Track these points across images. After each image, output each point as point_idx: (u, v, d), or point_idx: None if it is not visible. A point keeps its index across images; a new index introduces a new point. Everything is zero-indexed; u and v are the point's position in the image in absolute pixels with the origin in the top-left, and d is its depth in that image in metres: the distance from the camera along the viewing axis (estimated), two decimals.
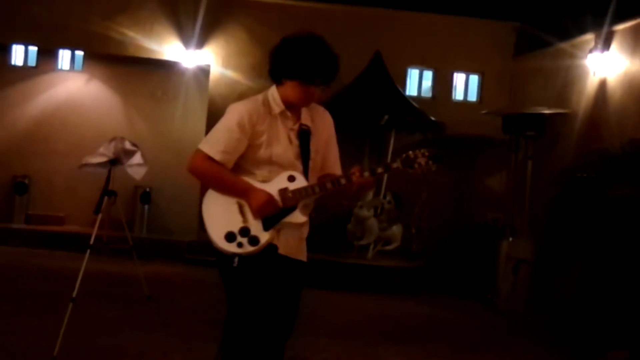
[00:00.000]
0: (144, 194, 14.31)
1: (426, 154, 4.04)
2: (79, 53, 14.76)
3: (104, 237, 7.67)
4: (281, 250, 4.09)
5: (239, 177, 4.09)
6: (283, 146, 4.09)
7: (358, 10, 13.57)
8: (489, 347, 8.40)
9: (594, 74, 10.59)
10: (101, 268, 9.59)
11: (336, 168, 4.36)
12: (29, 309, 8.07)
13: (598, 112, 10.52)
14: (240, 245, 3.98)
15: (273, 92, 4.12)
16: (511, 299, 10.64)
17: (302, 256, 4.24)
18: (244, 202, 4.04)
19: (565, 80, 11.47)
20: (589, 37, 10.81)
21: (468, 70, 14.03)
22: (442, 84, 13.96)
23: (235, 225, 4.02)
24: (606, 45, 10.37)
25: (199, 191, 13.00)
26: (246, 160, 4.11)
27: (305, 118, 4.19)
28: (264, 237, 4.01)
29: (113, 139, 7.69)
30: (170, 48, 13.31)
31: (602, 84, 10.47)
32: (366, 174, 4.02)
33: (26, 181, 14.38)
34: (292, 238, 4.15)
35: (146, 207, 14.46)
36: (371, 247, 11.74)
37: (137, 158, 7.77)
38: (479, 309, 10.70)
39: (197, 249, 12.62)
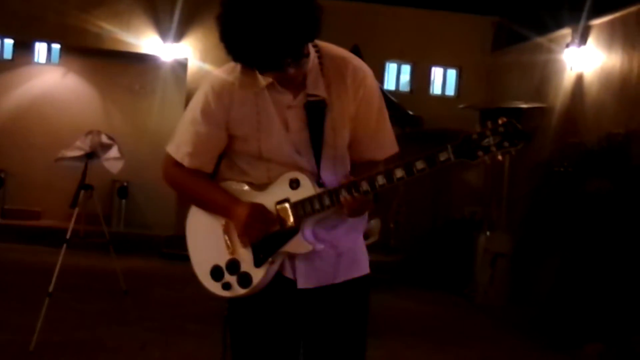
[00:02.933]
0: (121, 189, 14.25)
1: (500, 129, 2.57)
2: (56, 46, 14.67)
3: (81, 231, 7.63)
4: (303, 284, 2.88)
5: (216, 187, 2.93)
6: (275, 135, 2.82)
7: (336, 4, 13.49)
8: (467, 340, 8.44)
9: (571, 69, 10.62)
10: (78, 262, 9.53)
11: (380, 150, 2.96)
12: (5, 304, 8.01)
13: (575, 107, 10.56)
14: (227, 286, 2.87)
15: None
16: (489, 293, 10.68)
17: (349, 272, 2.97)
18: (229, 223, 2.91)
19: (543, 74, 11.51)
20: (566, 32, 10.85)
21: (446, 65, 14.06)
22: (420, 78, 13.98)
23: (222, 256, 2.90)
24: (583, 39, 10.40)
25: None
26: (237, 155, 2.93)
27: (314, 84, 2.81)
28: (257, 275, 2.84)
29: (89, 133, 7.65)
30: (147, 41, 13.24)
31: (579, 79, 10.51)
32: (399, 172, 2.68)
33: (2, 175, 14.29)
34: (320, 259, 2.89)
35: (123, 201, 14.40)
36: None
37: (113, 152, 7.73)
38: (457, 303, 10.73)
39: (174, 243, 12.57)
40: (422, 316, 9.74)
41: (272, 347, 2.92)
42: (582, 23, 10.41)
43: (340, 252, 2.94)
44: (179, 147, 2.95)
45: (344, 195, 2.74)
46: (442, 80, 14.18)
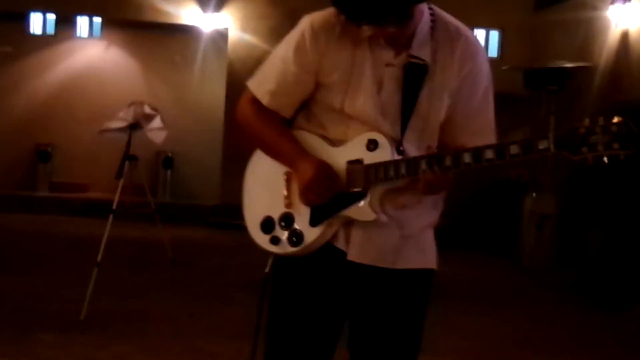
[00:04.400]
0: (166, 159, 14.34)
1: (612, 128, 2.26)
2: (97, 20, 14.73)
3: (127, 202, 7.70)
4: (354, 256, 2.63)
5: (288, 134, 2.70)
6: (363, 93, 2.57)
7: None
8: (514, 302, 8.41)
9: (616, 26, 10.44)
10: (125, 233, 9.63)
11: (478, 140, 2.57)
12: (55, 275, 8.13)
13: (620, 65, 10.39)
14: (275, 240, 2.66)
15: None
16: (536, 255, 10.61)
17: (413, 262, 2.72)
18: (291, 174, 2.68)
19: (587, 32, 11.32)
20: None
21: (488, 26, 13.88)
22: None
23: (277, 208, 2.68)
24: None
25: (220, 155, 13.11)
26: (318, 105, 2.68)
27: (421, 46, 2.58)
28: (311, 235, 2.62)
29: (132, 104, 7.69)
30: (188, 12, 13.25)
31: (624, 36, 10.33)
32: (489, 153, 2.42)
33: (49, 149, 14.43)
34: (380, 235, 2.63)
35: (169, 172, 14.50)
36: None
37: (157, 122, 7.77)
38: (503, 266, 10.68)
39: (221, 212, 12.64)
40: (470, 279, 9.71)
41: (311, 318, 2.69)
42: None
43: (407, 235, 2.67)
44: (262, 84, 2.71)
45: (423, 167, 2.47)
46: (485, 41, 14.01)
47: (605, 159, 2.29)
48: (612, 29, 10.54)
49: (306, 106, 2.72)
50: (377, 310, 2.68)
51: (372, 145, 2.55)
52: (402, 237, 2.66)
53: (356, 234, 2.61)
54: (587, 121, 2.31)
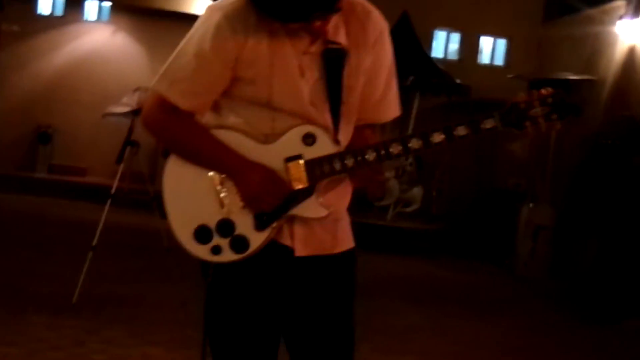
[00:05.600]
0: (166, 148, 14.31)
1: (548, 99, 2.39)
2: (106, 4, 14.73)
3: (125, 188, 7.71)
4: (301, 251, 2.54)
5: (215, 140, 2.48)
6: (289, 83, 2.43)
7: None
8: (505, 310, 8.42)
9: (623, 41, 10.46)
10: (122, 219, 9.63)
11: (384, 113, 2.67)
12: (49, 257, 8.15)
13: (626, 79, 10.40)
14: (216, 250, 2.49)
15: None
16: (529, 265, 10.62)
17: (346, 243, 2.67)
18: (226, 179, 2.49)
19: (594, 46, 11.34)
20: (619, 3, 10.67)
21: (495, 34, 13.91)
22: (469, 47, 13.86)
23: (211, 215, 2.49)
24: (636, 11, 10.23)
25: None
26: (236, 100, 2.50)
27: (335, 30, 2.46)
28: (257, 239, 2.48)
29: (137, 89, 7.71)
30: (197, 1, 13.25)
31: (631, 51, 10.34)
32: (439, 136, 2.41)
33: (50, 131, 14.43)
34: (320, 225, 2.56)
35: None
36: (391, 208, 11.74)
37: None
38: (497, 274, 10.69)
39: None
40: (462, 285, 9.73)
41: (258, 320, 2.58)
42: None
43: (338, 218, 2.62)
44: (173, 84, 2.47)
45: (371, 158, 2.42)
46: (491, 49, 14.04)
47: (543, 130, 2.40)
48: (620, 43, 10.55)
49: (220, 100, 2.53)
50: (316, 298, 2.59)
51: (309, 139, 2.44)
52: (335, 220, 2.59)
53: (299, 228, 2.52)
54: (523, 95, 2.40)
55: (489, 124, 2.41)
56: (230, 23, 2.39)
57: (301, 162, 2.44)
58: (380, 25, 2.58)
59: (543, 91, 2.40)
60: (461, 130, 2.40)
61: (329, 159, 2.44)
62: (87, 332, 5.73)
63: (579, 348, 7.19)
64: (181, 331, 5.94)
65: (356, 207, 2.75)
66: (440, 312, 7.86)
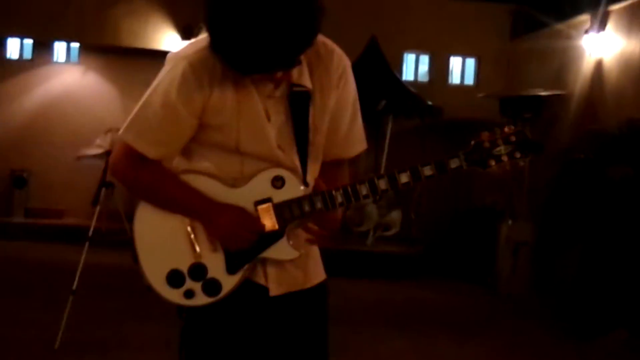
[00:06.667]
0: None
1: (512, 138, 2.47)
2: (75, 45, 14.71)
3: (103, 228, 7.67)
4: (275, 291, 2.59)
5: (186, 186, 2.51)
6: (256, 128, 2.47)
7: None
8: (490, 329, 8.42)
9: (590, 55, 10.56)
10: (101, 260, 9.55)
11: (351, 148, 2.73)
12: (29, 302, 8.07)
13: (595, 93, 10.50)
14: (189, 294, 2.51)
15: None
16: (511, 282, 10.64)
17: (317, 277, 2.73)
18: (197, 223, 2.52)
19: (562, 61, 11.44)
20: (585, 18, 10.78)
21: (464, 54, 14.01)
22: (439, 68, 13.95)
23: (183, 259, 2.52)
24: (602, 25, 10.33)
25: None
26: (204, 146, 2.54)
27: (299, 72, 2.49)
28: (229, 282, 2.51)
29: (109, 130, 7.69)
30: (166, 38, 13.26)
31: (599, 65, 10.45)
32: (405, 176, 2.49)
33: (25, 175, 14.32)
34: (292, 263, 2.60)
35: None
36: (371, 233, 11.74)
37: None
38: (479, 293, 10.70)
39: None
40: (445, 306, 9.73)
41: (236, 358, 2.60)
42: (601, 9, 10.34)
43: (308, 253, 2.65)
44: (141, 135, 2.48)
45: (340, 199, 2.48)
46: (461, 69, 14.13)
47: (508, 167, 2.50)
48: (587, 57, 10.66)
49: (188, 146, 2.55)
50: (291, 333, 2.64)
51: (278, 182, 2.49)
52: (306, 257, 2.63)
53: (272, 268, 2.56)
54: (486, 134, 2.48)
55: (454, 163, 2.47)
56: (196, 72, 2.41)
57: (270, 205, 2.49)
58: (342, 63, 2.61)
59: (506, 129, 2.49)
60: (427, 171, 2.48)
61: (298, 201, 2.49)
62: None
63: None
64: None
65: (336, 234, 2.79)
66: (425, 336, 7.85)
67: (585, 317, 8.25)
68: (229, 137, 2.47)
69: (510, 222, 10.99)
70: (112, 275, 9.77)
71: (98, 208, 7.07)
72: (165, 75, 2.48)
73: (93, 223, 6.93)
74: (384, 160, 12.06)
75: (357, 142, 2.73)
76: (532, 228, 10.81)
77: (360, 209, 11.66)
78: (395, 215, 11.91)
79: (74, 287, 6.51)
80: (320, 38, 2.50)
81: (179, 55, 2.49)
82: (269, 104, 2.48)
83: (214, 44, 2.29)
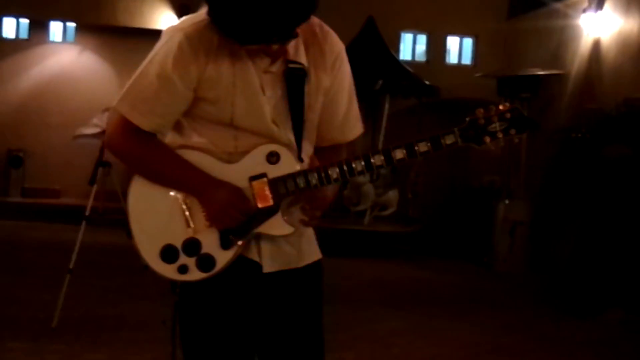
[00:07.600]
0: None
1: (507, 115, 2.45)
2: (71, 24, 14.66)
3: (100, 208, 7.65)
4: (269, 268, 2.58)
5: (180, 159, 2.50)
6: (251, 101, 2.47)
7: None
8: (487, 308, 8.44)
9: (588, 34, 10.54)
10: (98, 239, 9.56)
11: (348, 131, 2.75)
12: (27, 281, 8.08)
13: (592, 72, 10.49)
14: (183, 269, 2.50)
15: None
16: (508, 261, 10.67)
17: (310, 256, 2.71)
18: (191, 198, 2.51)
19: (560, 40, 11.42)
20: None
21: (462, 33, 13.98)
22: (436, 48, 13.92)
23: (177, 235, 2.51)
24: (599, 4, 10.31)
25: None
26: (198, 120, 2.53)
27: (296, 49, 2.51)
28: (223, 258, 2.50)
29: (106, 109, 7.65)
30: (163, 17, 13.21)
31: (596, 44, 10.42)
32: (401, 152, 2.46)
33: (21, 154, 14.34)
34: (286, 240, 2.60)
35: None
36: (367, 212, 11.74)
37: None
38: (476, 272, 10.72)
39: None
40: (442, 286, 9.74)
41: (230, 336, 2.59)
42: None
43: (301, 232, 2.64)
44: (136, 106, 2.47)
45: (334, 175, 2.47)
46: (459, 49, 14.12)
47: (502, 144, 2.46)
48: (584, 37, 10.64)
49: (181, 120, 2.55)
50: (285, 312, 2.63)
51: (273, 157, 2.48)
52: (299, 235, 2.62)
53: (265, 245, 2.56)
54: (481, 111, 2.45)
55: (449, 139, 2.45)
56: (192, 44, 2.41)
57: (265, 180, 2.48)
58: (337, 47, 2.62)
59: (501, 106, 2.46)
60: (422, 147, 2.45)
61: (293, 177, 2.48)
62: (68, 356, 5.69)
63: (562, 342, 7.21)
64: (163, 349, 5.89)
65: (333, 214, 2.78)
66: (422, 315, 7.87)
67: (582, 296, 8.28)
68: (223, 111, 2.46)
69: (507, 201, 11.00)
70: (109, 255, 9.78)
71: (95, 187, 7.05)
72: (161, 47, 2.48)
73: (90, 202, 6.91)
74: (381, 139, 12.04)
75: (354, 126, 2.75)
76: (529, 207, 10.83)
77: (357, 188, 11.67)
78: (392, 195, 11.91)
79: (71, 266, 6.50)
80: (317, 20, 2.55)
81: (175, 27, 2.48)
82: (265, 79, 2.47)
83: (212, 12, 2.30)
